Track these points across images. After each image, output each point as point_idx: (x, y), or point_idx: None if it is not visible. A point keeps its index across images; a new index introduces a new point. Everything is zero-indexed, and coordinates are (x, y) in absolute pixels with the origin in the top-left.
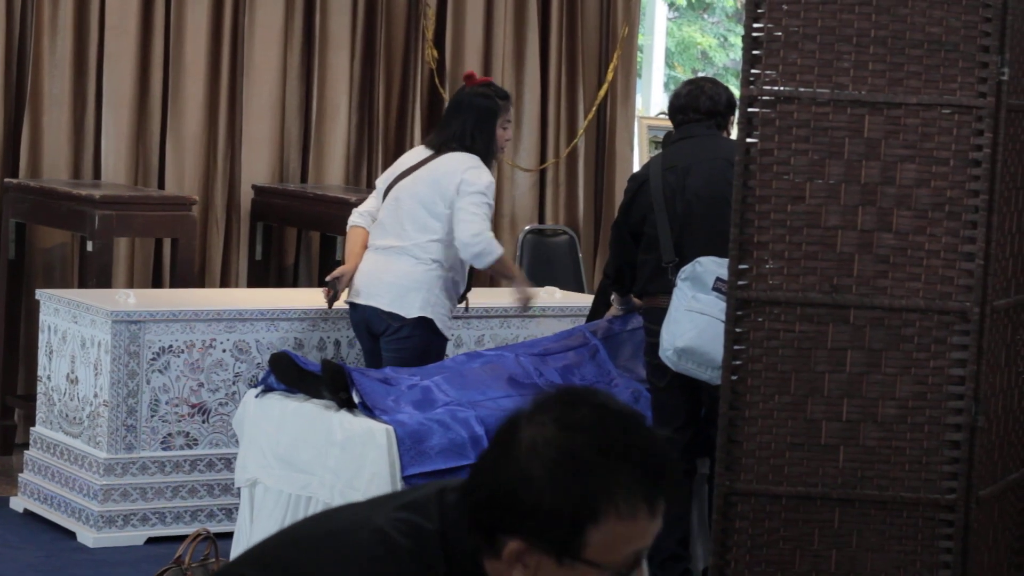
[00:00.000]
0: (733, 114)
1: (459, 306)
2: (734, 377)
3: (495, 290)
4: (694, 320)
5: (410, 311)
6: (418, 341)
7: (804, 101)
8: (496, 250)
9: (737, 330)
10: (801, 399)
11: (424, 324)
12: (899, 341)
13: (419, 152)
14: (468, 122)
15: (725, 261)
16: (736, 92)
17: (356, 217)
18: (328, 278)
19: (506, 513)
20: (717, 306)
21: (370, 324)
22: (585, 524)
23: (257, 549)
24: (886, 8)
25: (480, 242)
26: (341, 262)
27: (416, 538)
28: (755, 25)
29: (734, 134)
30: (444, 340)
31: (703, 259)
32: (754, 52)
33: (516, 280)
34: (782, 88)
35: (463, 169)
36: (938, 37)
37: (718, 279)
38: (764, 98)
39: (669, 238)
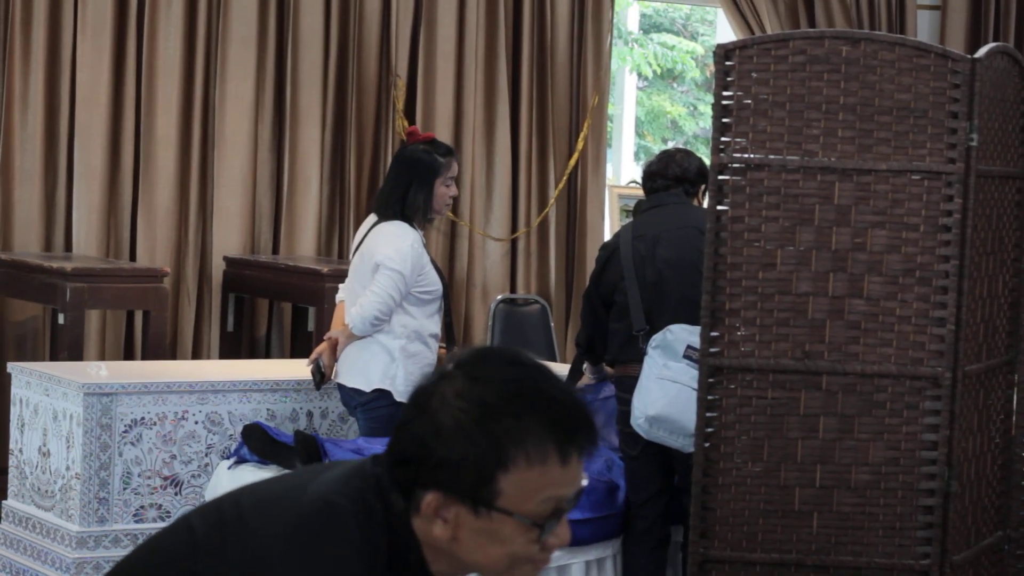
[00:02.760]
0: (704, 183)
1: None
2: (707, 444)
3: None
4: (665, 388)
5: (368, 384)
6: (384, 412)
7: (774, 168)
8: (365, 328)
9: (709, 397)
10: (774, 466)
11: (386, 396)
12: (871, 407)
13: (368, 221)
14: (408, 180)
15: (696, 329)
16: (707, 159)
17: (340, 292)
18: (308, 363)
19: (420, 467)
20: (688, 374)
21: (344, 401)
22: (495, 470)
23: (209, 507)
24: (855, 75)
25: (355, 318)
26: (312, 333)
27: (357, 500)
28: (725, 93)
29: (705, 203)
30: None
31: (674, 327)
32: (724, 120)
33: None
34: (752, 155)
35: (384, 244)
36: (907, 104)
37: (689, 347)
38: (734, 165)
39: (640, 306)
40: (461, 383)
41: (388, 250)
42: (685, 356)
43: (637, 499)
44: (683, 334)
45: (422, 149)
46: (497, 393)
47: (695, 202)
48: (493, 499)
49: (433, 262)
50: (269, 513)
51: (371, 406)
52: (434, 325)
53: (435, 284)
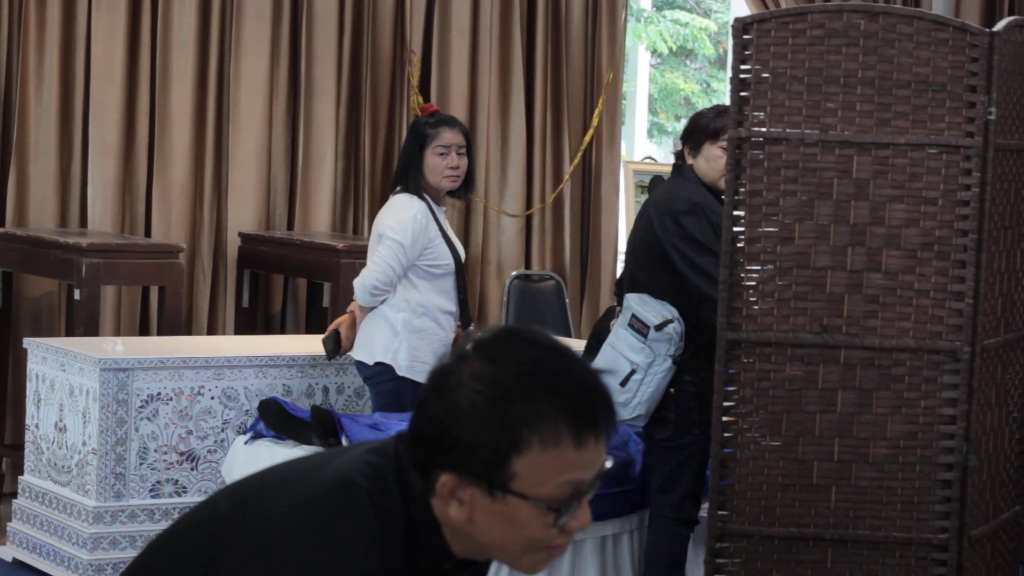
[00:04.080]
0: (688, 141)
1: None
2: (725, 418)
3: None
4: (604, 352)
5: (371, 357)
6: (388, 387)
7: (792, 142)
8: (365, 298)
9: (728, 371)
10: (792, 440)
11: (388, 370)
12: (890, 381)
13: None
14: (402, 155)
15: (647, 299)
16: None
17: None
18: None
19: (436, 447)
20: (626, 341)
21: (360, 374)
22: (509, 453)
23: (236, 485)
24: (873, 49)
25: (356, 287)
26: (328, 309)
27: (375, 479)
28: (743, 67)
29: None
30: (414, 384)
31: (630, 295)
32: (742, 94)
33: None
34: (770, 130)
35: (388, 215)
36: (925, 77)
37: (633, 315)
38: (753, 139)
39: (625, 275)
40: (478, 364)
41: (390, 220)
42: (629, 324)
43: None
44: (633, 302)
45: (418, 121)
46: (512, 375)
47: (702, 159)
48: (507, 482)
49: (447, 238)
50: (287, 491)
51: (375, 380)
52: (446, 301)
53: (445, 259)
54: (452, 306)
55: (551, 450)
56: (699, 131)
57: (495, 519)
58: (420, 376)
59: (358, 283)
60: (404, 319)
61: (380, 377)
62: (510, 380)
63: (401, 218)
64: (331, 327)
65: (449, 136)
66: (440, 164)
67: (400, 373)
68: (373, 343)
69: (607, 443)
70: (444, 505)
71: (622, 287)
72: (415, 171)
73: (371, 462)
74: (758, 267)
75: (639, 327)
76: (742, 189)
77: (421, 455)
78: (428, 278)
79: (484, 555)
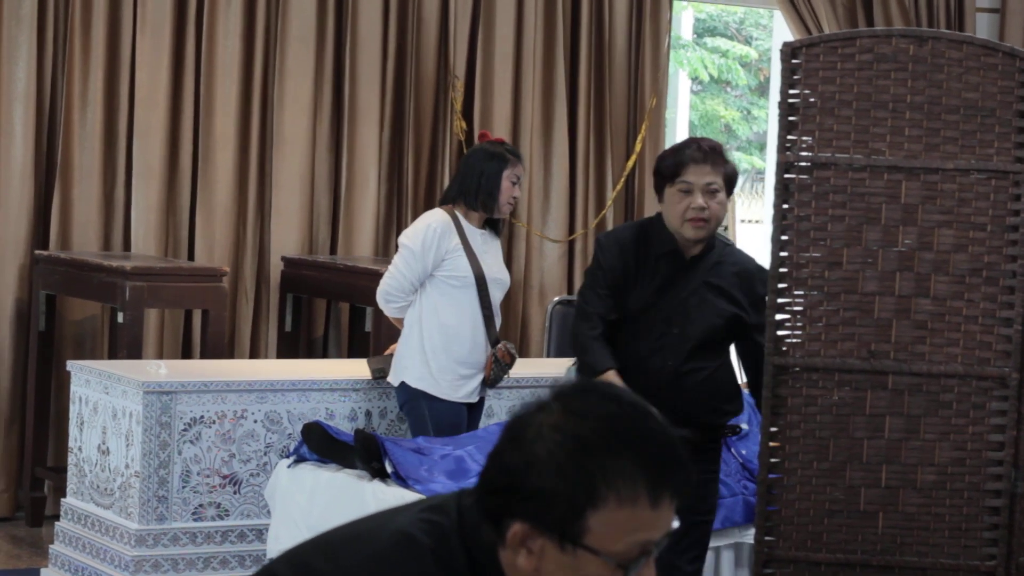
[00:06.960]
0: (656, 178)
1: (504, 365)
2: (772, 443)
3: (527, 360)
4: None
5: (395, 379)
6: (411, 407)
7: (840, 167)
8: (382, 304)
9: (776, 396)
10: (840, 465)
11: (407, 389)
12: (938, 407)
13: None
14: (477, 170)
15: None
16: (764, 163)
17: None
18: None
19: (511, 497)
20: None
21: None
22: (585, 507)
23: (294, 550)
24: (922, 74)
25: (378, 297)
26: (370, 333)
27: (437, 537)
28: (791, 91)
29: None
30: (439, 401)
31: None
32: (790, 118)
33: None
34: (818, 154)
35: (409, 226)
36: (974, 103)
37: None
38: (800, 164)
39: None
40: (558, 416)
41: (407, 229)
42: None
43: None
44: None
45: (491, 145)
46: (593, 429)
47: (665, 204)
48: (581, 536)
49: (471, 252)
50: (348, 552)
51: (399, 400)
52: (464, 316)
53: (462, 271)
54: (472, 321)
55: (627, 507)
56: (658, 176)
57: (563, 571)
58: (434, 390)
59: (377, 291)
60: (417, 336)
61: (403, 396)
62: (591, 434)
63: (417, 227)
64: (388, 352)
65: (521, 169)
66: (510, 190)
67: (412, 385)
68: (398, 364)
69: (679, 504)
70: (513, 555)
71: None
72: (493, 188)
73: (431, 520)
74: (805, 292)
75: None
76: (789, 214)
77: (493, 504)
78: (446, 290)
79: None
